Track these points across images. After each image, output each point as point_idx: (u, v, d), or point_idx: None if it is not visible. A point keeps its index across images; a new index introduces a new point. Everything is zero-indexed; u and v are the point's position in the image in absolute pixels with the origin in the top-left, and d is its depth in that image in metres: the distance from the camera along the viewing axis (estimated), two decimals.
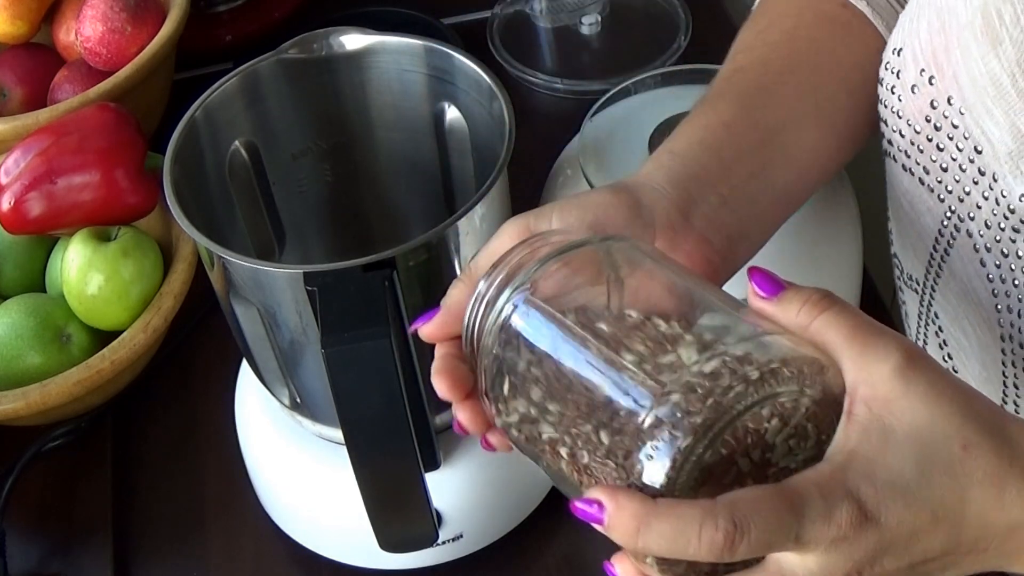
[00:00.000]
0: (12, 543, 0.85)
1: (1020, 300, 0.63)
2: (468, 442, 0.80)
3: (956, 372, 0.72)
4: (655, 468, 0.44)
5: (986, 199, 0.61)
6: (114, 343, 0.88)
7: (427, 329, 0.55)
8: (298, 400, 0.77)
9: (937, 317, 0.72)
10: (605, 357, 0.48)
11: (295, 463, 0.82)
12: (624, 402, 0.46)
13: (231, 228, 0.78)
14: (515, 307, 0.50)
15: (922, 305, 0.73)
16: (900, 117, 0.66)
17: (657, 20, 1.21)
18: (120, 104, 0.95)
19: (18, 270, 0.96)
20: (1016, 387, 0.68)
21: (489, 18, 1.23)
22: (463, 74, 0.76)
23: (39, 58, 1.11)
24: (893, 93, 0.65)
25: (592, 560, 0.85)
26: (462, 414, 0.53)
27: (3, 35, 1.08)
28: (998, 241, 0.62)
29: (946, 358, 0.73)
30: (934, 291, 0.71)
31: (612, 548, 0.87)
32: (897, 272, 0.76)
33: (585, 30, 1.21)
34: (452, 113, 0.78)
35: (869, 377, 0.47)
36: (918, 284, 0.72)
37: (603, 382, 0.47)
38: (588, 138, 0.80)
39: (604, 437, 0.46)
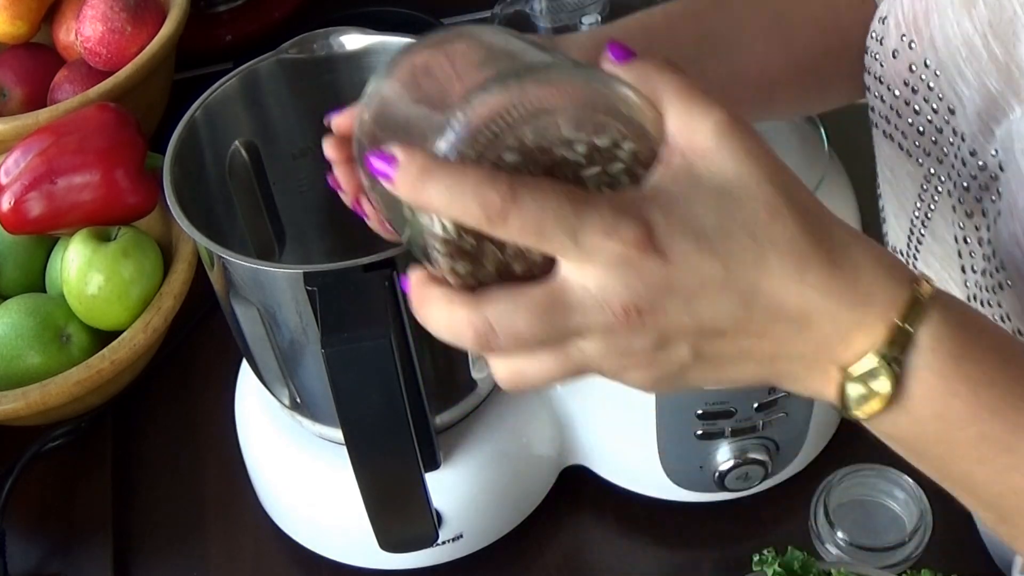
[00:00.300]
0: (12, 543, 0.85)
1: (985, 259, 0.62)
2: (468, 442, 0.80)
3: None
4: (438, 140, 0.46)
5: (961, 161, 0.62)
6: (114, 343, 0.88)
7: (338, 120, 0.59)
8: (298, 400, 0.77)
9: None
10: (429, 105, 0.50)
11: (295, 463, 0.82)
12: (436, 134, 0.47)
13: (231, 228, 0.78)
14: (378, 81, 0.53)
15: None
16: (882, 83, 0.66)
17: None
18: (120, 104, 0.95)
19: (18, 270, 0.96)
20: None
21: (489, 18, 1.23)
22: None
23: (39, 58, 1.11)
24: (876, 60, 0.66)
25: (592, 560, 0.85)
26: (339, 173, 0.58)
27: (3, 35, 1.09)
28: (964, 202, 0.62)
29: None
30: (916, 259, 0.71)
31: (611, 548, 0.87)
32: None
33: (585, 30, 1.21)
34: None
35: (689, 130, 0.47)
36: (902, 255, 0.73)
37: (425, 124, 0.49)
38: None
39: None
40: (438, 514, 0.78)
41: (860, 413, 0.48)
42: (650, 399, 0.78)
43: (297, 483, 0.82)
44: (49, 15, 1.11)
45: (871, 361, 0.46)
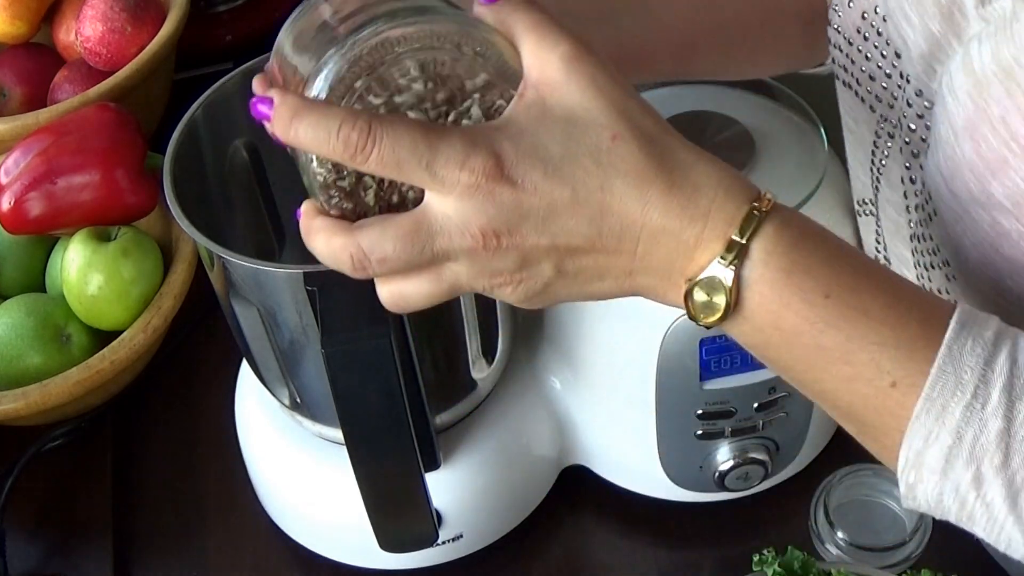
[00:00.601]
0: (12, 543, 0.85)
1: (916, 194, 0.65)
2: (468, 442, 0.80)
3: None
4: (311, 84, 0.52)
5: (907, 102, 0.64)
6: (114, 343, 0.88)
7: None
8: (298, 400, 0.77)
9: (881, 231, 0.74)
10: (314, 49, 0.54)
11: (295, 463, 0.82)
12: (313, 76, 0.52)
13: (231, 228, 0.78)
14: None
15: (879, 226, 0.75)
16: (839, 32, 0.69)
17: None
18: (120, 104, 0.95)
19: (18, 270, 0.96)
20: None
21: None
22: None
23: (39, 58, 1.11)
24: (836, 11, 0.69)
25: (592, 560, 0.85)
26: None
27: (3, 35, 1.09)
28: (911, 142, 0.65)
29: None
30: (876, 204, 0.73)
31: (611, 548, 0.87)
32: (857, 206, 0.78)
33: None
34: None
35: (540, 63, 0.51)
36: (870, 204, 0.74)
37: (309, 67, 0.53)
38: None
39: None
40: (438, 514, 0.78)
41: (706, 322, 0.52)
42: (650, 399, 0.78)
43: (297, 483, 0.82)
44: (49, 15, 1.11)
45: (709, 271, 0.50)
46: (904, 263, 0.72)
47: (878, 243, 0.75)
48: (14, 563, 0.84)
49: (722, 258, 0.50)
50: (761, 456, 0.80)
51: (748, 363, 0.76)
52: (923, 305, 0.52)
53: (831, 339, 0.51)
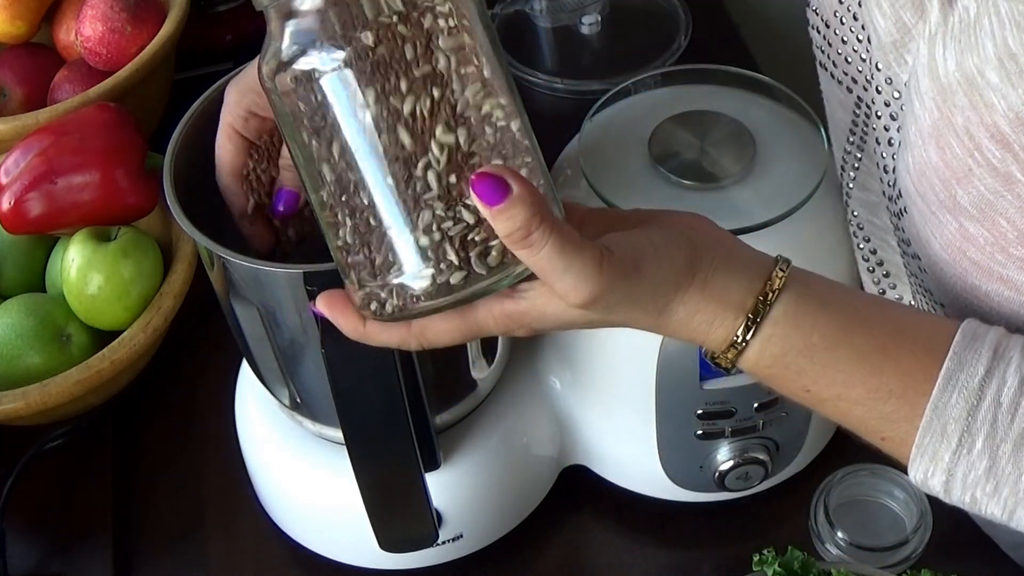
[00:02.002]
0: (12, 543, 0.85)
1: (890, 185, 0.68)
2: (468, 442, 0.80)
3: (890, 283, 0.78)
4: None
5: (876, 89, 0.66)
6: (114, 343, 0.88)
7: None
8: (298, 400, 0.77)
9: (856, 214, 0.77)
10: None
11: (295, 463, 0.82)
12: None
13: (231, 228, 0.78)
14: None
15: (849, 211, 0.78)
16: (818, 14, 0.71)
17: (657, 20, 1.21)
18: (120, 104, 0.95)
19: (18, 270, 0.96)
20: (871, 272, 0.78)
21: (489, 18, 1.23)
22: None
23: (39, 58, 1.11)
24: None
25: (592, 560, 0.85)
26: None
27: (3, 35, 1.09)
28: (886, 129, 0.67)
29: (872, 265, 0.79)
30: (851, 186, 0.76)
31: (611, 548, 0.87)
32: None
33: (585, 30, 1.21)
34: None
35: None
36: (847, 185, 0.77)
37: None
38: (588, 138, 0.80)
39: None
40: (438, 514, 0.78)
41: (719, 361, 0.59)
42: (650, 399, 0.78)
43: (297, 483, 0.82)
44: (49, 15, 1.11)
45: (730, 335, 0.57)
46: (887, 232, 0.74)
47: (851, 215, 0.78)
48: (14, 563, 0.84)
49: (741, 328, 0.57)
50: (761, 456, 0.80)
51: None
52: (912, 356, 0.56)
53: (821, 395, 0.58)
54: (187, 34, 1.07)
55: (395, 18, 0.52)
